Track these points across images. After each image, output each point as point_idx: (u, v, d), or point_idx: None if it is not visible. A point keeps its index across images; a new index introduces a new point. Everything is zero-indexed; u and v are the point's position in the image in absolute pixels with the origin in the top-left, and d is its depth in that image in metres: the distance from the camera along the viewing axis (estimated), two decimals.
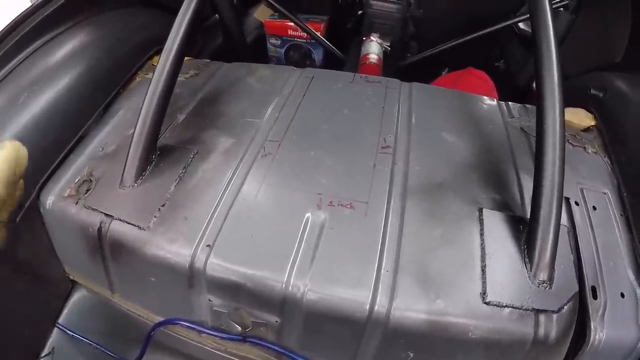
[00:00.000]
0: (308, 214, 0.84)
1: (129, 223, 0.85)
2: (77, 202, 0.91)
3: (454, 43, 1.73)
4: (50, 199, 0.93)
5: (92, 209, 0.89)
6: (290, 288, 0.76)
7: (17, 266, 0.93)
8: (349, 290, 0.75)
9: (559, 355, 0.78)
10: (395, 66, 1.90)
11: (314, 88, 1.16)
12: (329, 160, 0.95)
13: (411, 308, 0.73)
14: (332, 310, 0.75)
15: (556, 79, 0.81)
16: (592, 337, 0.76)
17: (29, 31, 1.04)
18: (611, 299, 0.78)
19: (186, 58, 1.22)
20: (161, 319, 0.94)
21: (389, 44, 1.86)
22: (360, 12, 2.12)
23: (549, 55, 0.82)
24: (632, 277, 0.82)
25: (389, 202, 0.87)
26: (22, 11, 1.06)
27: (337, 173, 0.92)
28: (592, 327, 0.76)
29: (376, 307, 0.73)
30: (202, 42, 1.72)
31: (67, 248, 0.99)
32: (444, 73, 1.94)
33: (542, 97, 0.81)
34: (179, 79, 0.98)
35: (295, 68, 1.25)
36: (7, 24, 1.03)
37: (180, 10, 0.95)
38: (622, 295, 0.79)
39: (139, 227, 0.84)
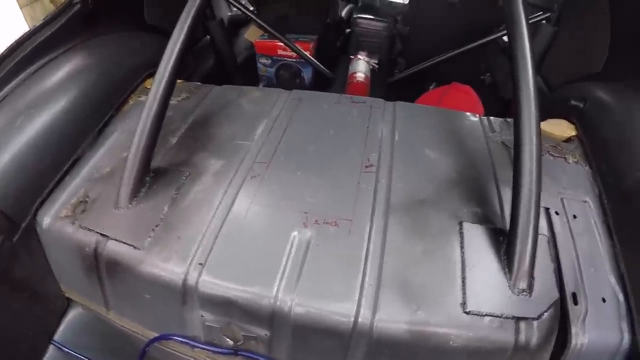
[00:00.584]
0: (295, 232, 0.87)
1: (124, 243, 0.88)
2: (73, 223, 0.93)
3: (440, 58, 1.77)
4: (46, 220, 0.95)
5: (88, 229, 0.91)
6: (278, 303, 0.79)
7: (14, 284, 0.95)
8: (334, 304, 0.78)
9: None
10: (383, 83, 1.94)
11: (301, 110, 1.20)
12: (315, 180, 0.98)
13: (393, 319, 0.76)
14: (318, 323, 0.78)
15: (532, 89, 0.83)
16: (573, 342, 0.77)
17: (25, 55, 1.07)
18: (592, 304, 0.80)
19: (178, 81, 1.26)
20: (155, 334, 0.96)
21: (376, 62, 1.89)
22: (348, 30, 2.15)
23: (525, 67, 0.85)
24: (613, 282, 0.84)
25: (372, 220, 0.90)
26: (19, 35, 1.09)
27: (322, 192, 0.95)
28: (573, 332, 0.78)
29: (360, 319, 0.76)
30: (194, 64, 1.75)
31: (64, 267, 1.01)
32: (431, 88, 1.98)
33: (518, 108, 0.84)
34: (171, 102, 1.01)
35: (283, 90, 1.29)
36: (4, 48, 1.06)
37: (173, 34, 0.98)
38: (604, 300, 0.81)
39: (134, 247, 0.87)
